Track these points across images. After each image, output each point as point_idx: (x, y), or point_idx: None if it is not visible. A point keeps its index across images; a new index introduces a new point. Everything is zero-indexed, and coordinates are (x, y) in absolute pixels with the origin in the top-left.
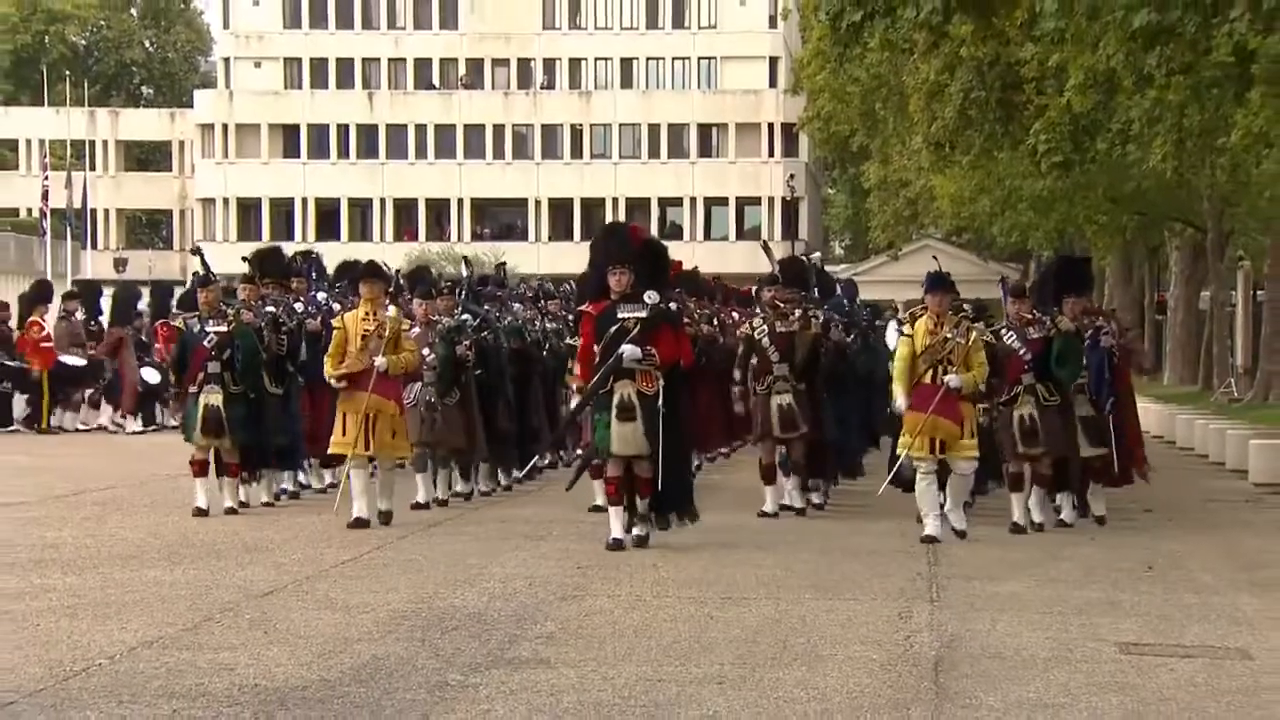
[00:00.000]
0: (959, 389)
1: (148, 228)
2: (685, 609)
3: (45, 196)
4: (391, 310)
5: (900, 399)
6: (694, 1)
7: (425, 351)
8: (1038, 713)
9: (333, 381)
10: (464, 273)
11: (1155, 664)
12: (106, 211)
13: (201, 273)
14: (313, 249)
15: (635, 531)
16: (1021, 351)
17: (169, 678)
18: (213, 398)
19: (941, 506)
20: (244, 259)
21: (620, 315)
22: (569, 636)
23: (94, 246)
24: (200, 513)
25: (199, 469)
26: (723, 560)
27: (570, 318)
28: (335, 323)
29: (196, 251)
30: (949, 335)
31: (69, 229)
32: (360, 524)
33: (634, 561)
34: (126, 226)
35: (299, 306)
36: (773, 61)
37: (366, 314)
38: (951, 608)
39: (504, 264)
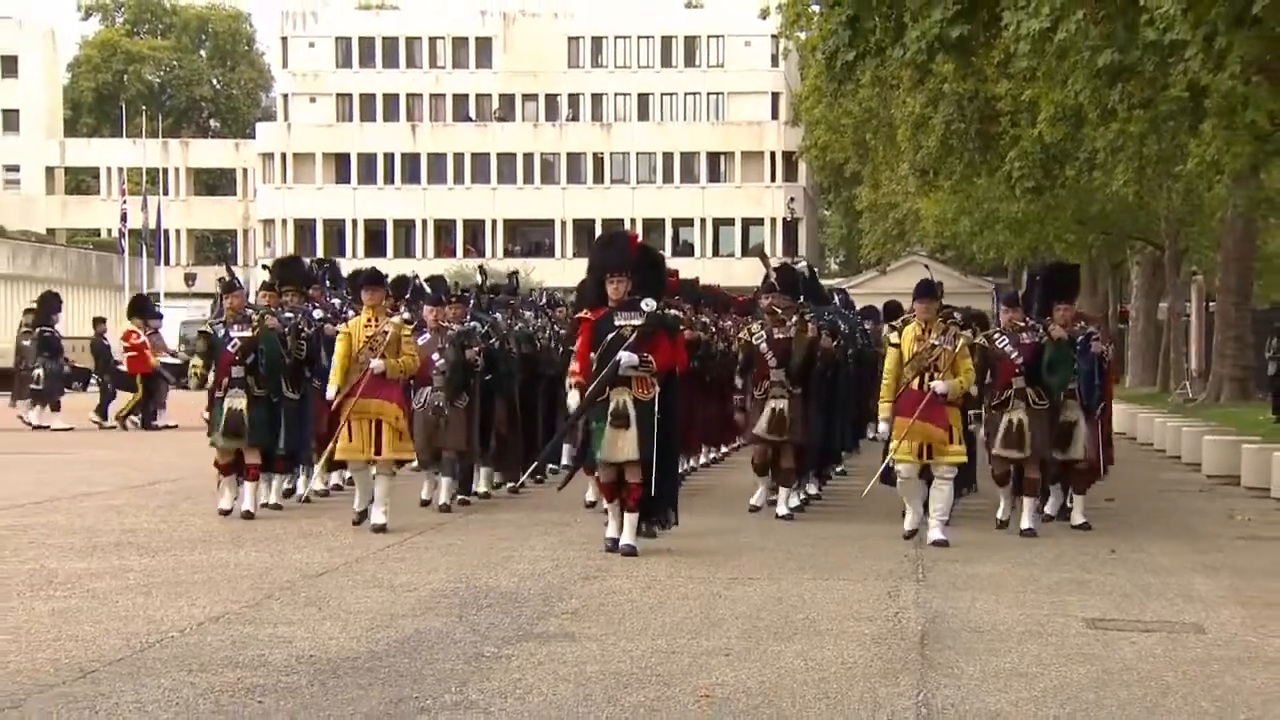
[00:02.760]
0: (945, 394)
1: (214, 246)
2: (696, 589)
3: (123, 218)
4: (396, 317)
5: (882, 424)
6: (704, 43)
7: (435, 357)
8: (1013, 680)
9: (332, 391)
10: (477, 280)
11: (1118, 637)
12: (178, 231)
13: (228, 279)
14: (328, 258)
15: (624, 541)
16: (1014, 355)
17: (233, 649)
18: (237, 401)
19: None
20: (264, 267)
21: (617, 322)
22: (592, 613)
23: (167, 263)
24: (225, 514)
25: (225, 470)
26: (729, 545)
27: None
28: (342, 329)
29: (224, 259)
30: (936, 342)
31: (144, 247)
32: (365, 518)
33: (649, 546)
34: (195, 245)
35: (318, 313)
36: (774, 96)
37: (369, 321)
38: (935, 587)
39: (516, 273)
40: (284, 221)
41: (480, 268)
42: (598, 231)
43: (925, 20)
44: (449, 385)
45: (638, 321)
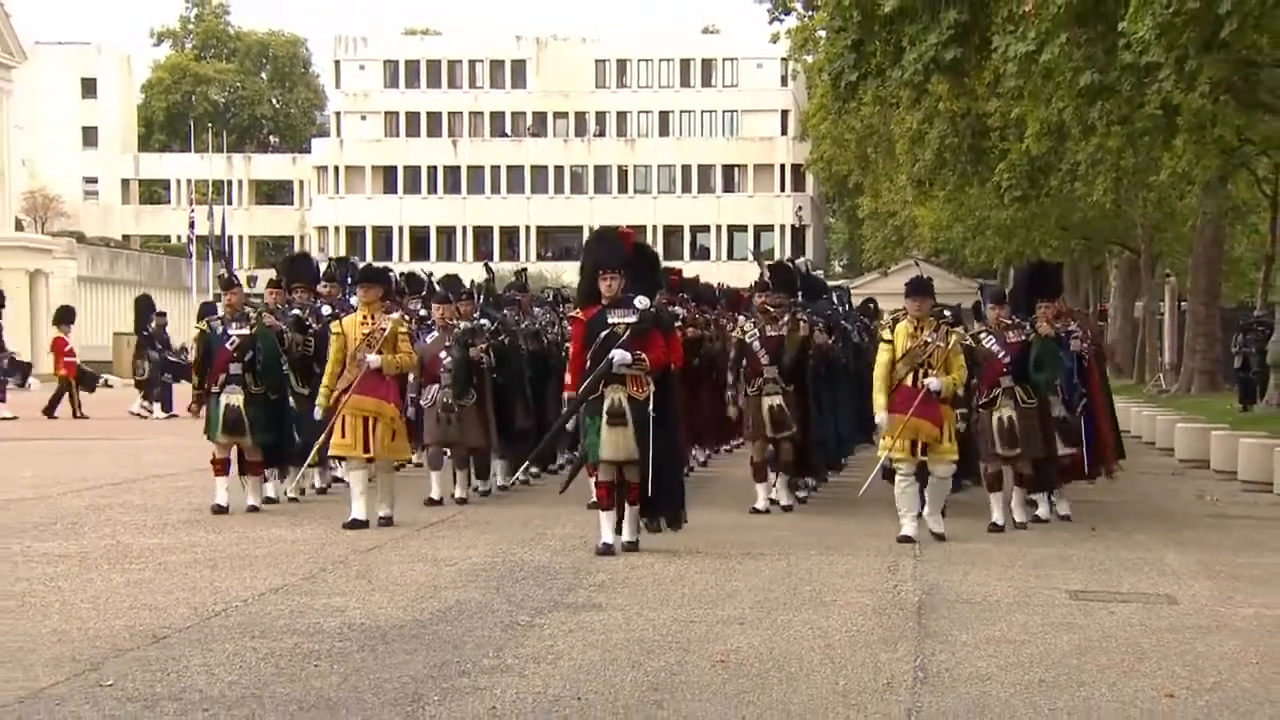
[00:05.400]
0: (939, 392)
1: (273, 251)
2: (712, 563)
3: (191, 226)
4: (395, 313)
5: (880, 412)
6: (719, 65)
7: (442, 354)
8: (1002, 647)
9: (320, 403)
10: (484, 277)
11: (1098, 608)
12: (240, 237)
13: (226, 276)
14: (348, 256)
15: (625, 537)
16: (1001, 355)
17: (291, 617)
18: (234, 398)
19: (922, 506)
20: (273, 264)
21: (611, 320)
22: (617, 585)
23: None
24: (220, 510)
25: (220, 468)
26: (741, 525)
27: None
28: (334, 328)
29: (221, 256)
30: (929, 339)
31: (210, 252)
32: (357, 525)
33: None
34: (256, 250)
35: (326, 310)
36: (784, 114)
37: (365, 318)
38: (931, 562)
39: (524, 270)
40: (337, 228)
41: (486, 265)
42: None
43: (922, 44)
44: (454, 382)
45: (631, 319)
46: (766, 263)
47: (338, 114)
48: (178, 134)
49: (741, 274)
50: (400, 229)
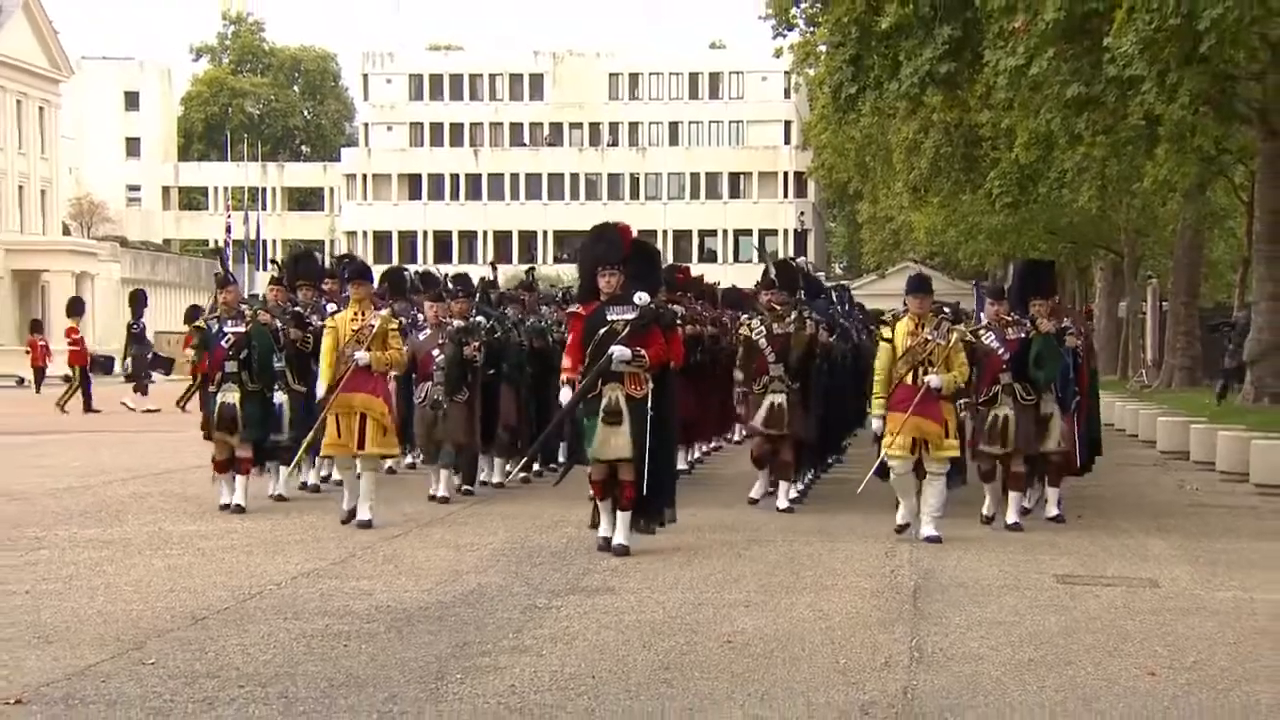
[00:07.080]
0: (939, 389)
1: None
2: (719, 549)
3: (228, 230)
4: (385, 310)
5: (875, 421)
6: (726, 78)
7: (435, 352)
8: (994, 629)
9: (321, 388)
10: (488, 276)
11: (1084, 591)
12: (274, 241)
13: (221, 274)
14: (350, 253)
15: (616, 540)
16: (1000, 351)
17: (322, 600)
18: (229, 396)
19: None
20: (271, 261)
21: (610, 317)
22: (629, 570)
23: (264, 270)
24: (227, 508)
25: (220, 467)
26: (746, 514)
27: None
28: (328, 323)
29: (218, 254)
30: (929, 336)
31: (246, 256)
32: (355, 516)
33: (678, 515)
34: (289, 254)
35: (331, 307)
36: (787, 124)
37: (355, 314)
38: (926, 548)
39: (532, 269)
40: (364, 233)
41: (492, 265)
42: None
43: (917, 58)
44: (447, 380)
45: (630, 316)
46: (772, 261)
47: (366, 125)
48: (215, 144)
49: (747, 275)
50: (424, 233)
